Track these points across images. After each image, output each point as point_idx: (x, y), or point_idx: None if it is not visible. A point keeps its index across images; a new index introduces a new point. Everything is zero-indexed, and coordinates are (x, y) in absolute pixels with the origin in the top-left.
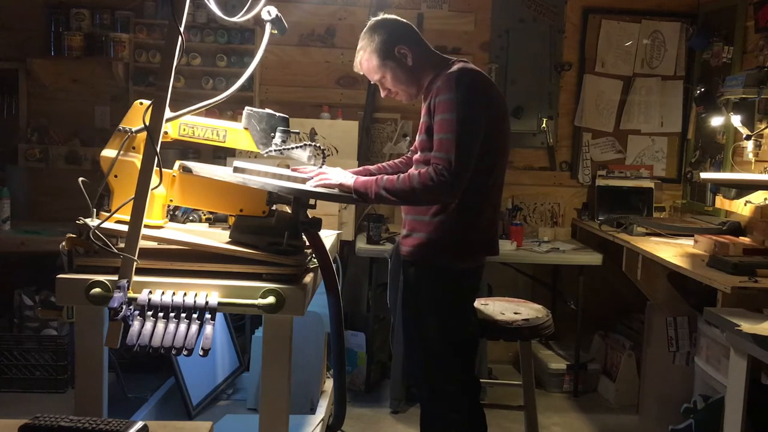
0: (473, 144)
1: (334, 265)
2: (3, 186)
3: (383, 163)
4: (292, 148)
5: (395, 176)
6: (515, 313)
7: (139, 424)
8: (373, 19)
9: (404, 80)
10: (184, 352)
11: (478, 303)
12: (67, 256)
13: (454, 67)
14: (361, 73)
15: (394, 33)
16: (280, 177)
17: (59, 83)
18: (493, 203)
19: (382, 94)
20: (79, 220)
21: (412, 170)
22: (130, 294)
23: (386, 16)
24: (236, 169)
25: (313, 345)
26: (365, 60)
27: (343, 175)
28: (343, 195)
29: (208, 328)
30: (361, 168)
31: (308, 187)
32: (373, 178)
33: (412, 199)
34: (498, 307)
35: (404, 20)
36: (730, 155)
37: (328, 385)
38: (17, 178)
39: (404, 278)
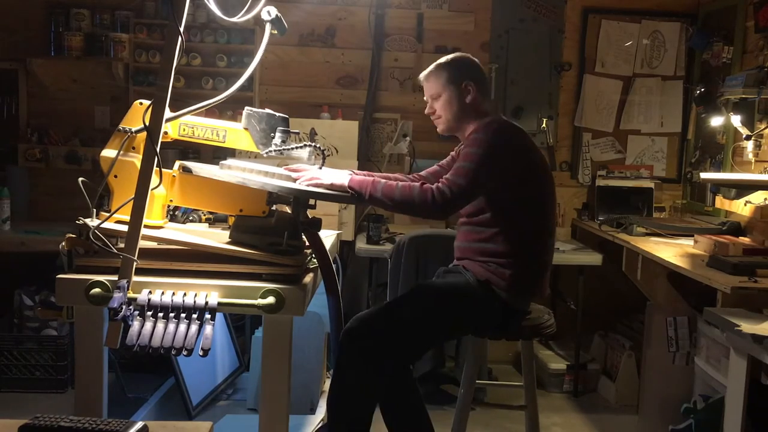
0: (485, 179)
1: (333, 265)
2: (3, 186)
3: (393, 175)
4: (292, 148)
5: (394, 183)
6: None
7: (139, 424)
8: (461, 53)
9: (453, 110)
10: (184, 352)
11: None
12: (67, 256)
13: (491, 118)
14: (421, 83)
15: (471, 70)
16: (268, 175)
17: (59, 83)
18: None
19: (427, 110)
20: (79, 220)
21: (415, 183)
22: (130, 294)
23: (473, 57)
24: (222, 166)
25: (313, 345)
26: (434, 73)
27: (335, 175)
28: (344, 195)
29: (208, 328)
30: (364, 172)
31: (308, 186)
32: (370, 179)
33: (405, 210)
34: None
35: (482, 68)
36: (730, 155)
37: (328, 385)
38: (17, 178)
39: (441, 279)
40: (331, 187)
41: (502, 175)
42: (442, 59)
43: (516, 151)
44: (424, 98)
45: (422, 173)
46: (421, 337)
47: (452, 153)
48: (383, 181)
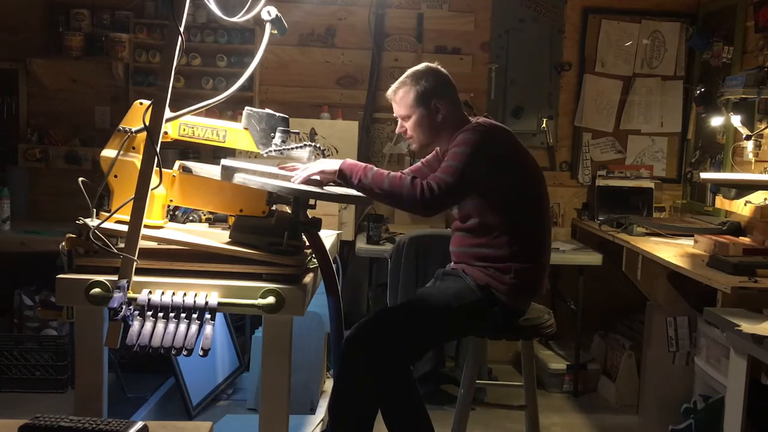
0: (475, 179)
1: (333, 265)
2: (3, 186)
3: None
4: (292, 148)
5: (385, 172)
6: None
7: (139, 424)
8: (427, 64)
9: (425, 130)
10: (184, 352)
11: None
12: (67, 256)
13: (476, 120)
14: (390, 99)
15: (439, 86)
16: (271, 176)
17: (59, 83)
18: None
19: (398, 129)
20: (79, 220)
21: (405, 176)
22: (130, 294)
23: (439, 67)
24: (224, 168)
25: (313, 345)
26: (403, 93)
27: (325, 163)
28: (343, 195)
29: (208, 328)
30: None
31: (300, 182)
32: (363, 165)
33: (392, 200)
34: None
35: (450, 77)
36: (730, 155)
37: (328, 385)
38: (17, 178)
39: (441, 283)
40: (321, 174)
41: (491, 176)
42: (408, 76)
43: (505, 150)
44: (394, 115)
45: (405, 170)
46: (422, 341)
47: (437, 149)
48: (375, 168)
